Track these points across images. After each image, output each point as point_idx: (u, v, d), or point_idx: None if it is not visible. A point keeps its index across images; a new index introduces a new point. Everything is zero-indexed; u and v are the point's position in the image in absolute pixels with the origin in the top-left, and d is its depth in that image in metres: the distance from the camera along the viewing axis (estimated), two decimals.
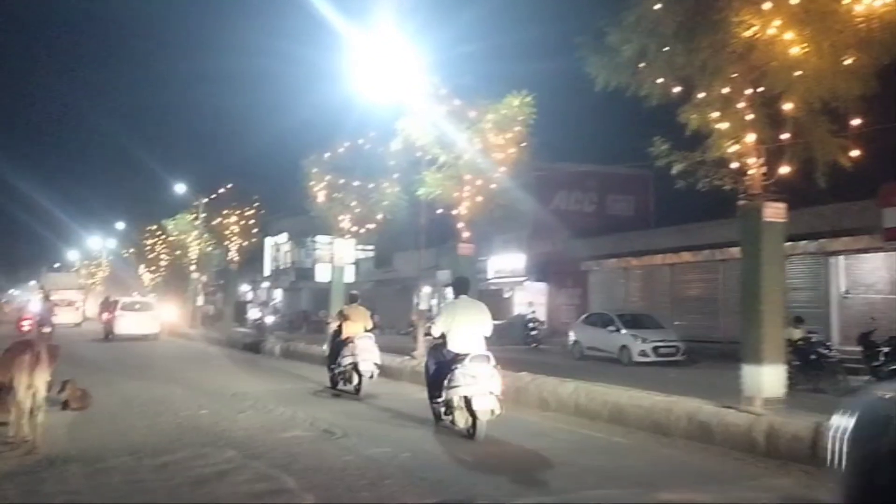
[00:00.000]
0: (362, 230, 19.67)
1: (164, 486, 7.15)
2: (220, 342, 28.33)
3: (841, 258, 23.66)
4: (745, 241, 9.07)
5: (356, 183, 18.86)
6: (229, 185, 30.66)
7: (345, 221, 19.62)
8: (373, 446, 8.84)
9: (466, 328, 9.43)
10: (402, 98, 15.66)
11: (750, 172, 8.70)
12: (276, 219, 33.66)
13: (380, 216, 19.01)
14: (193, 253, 36.11)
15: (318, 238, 50.58)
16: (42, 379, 9.36)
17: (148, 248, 45.19)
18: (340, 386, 13.49)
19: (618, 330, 24.86)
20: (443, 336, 9.58)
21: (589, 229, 34.32)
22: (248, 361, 21.85)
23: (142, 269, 49.26)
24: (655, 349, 23.80)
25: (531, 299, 35.21)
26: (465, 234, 14.80)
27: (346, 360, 13.19)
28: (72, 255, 79.97)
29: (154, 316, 31.12)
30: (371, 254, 49.30)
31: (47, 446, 8.61)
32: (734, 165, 8.90)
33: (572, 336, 26.82)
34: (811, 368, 16.40)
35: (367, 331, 13.73)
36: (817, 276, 24.16)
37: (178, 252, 38.43)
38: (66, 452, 8.59)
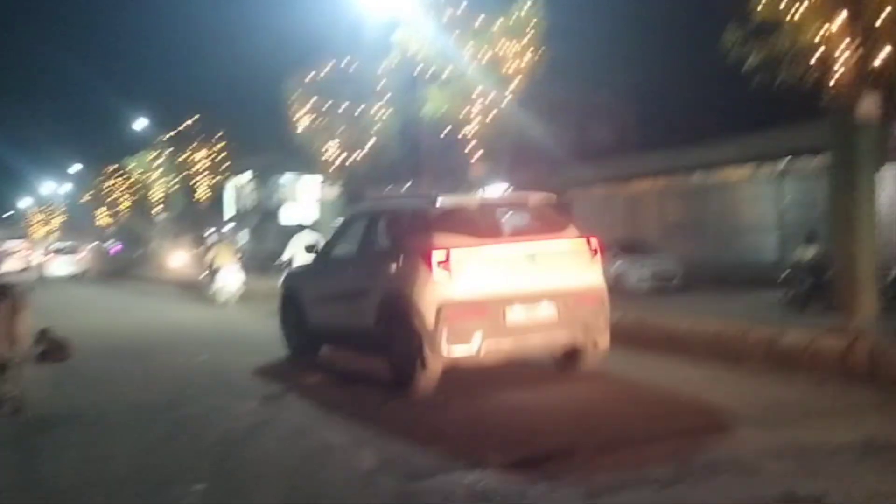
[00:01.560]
0: (350, 159, 18.16)
1: (189, 448, 5.97)
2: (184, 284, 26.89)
3: None
4: (835, 147, 7.90)
5: (344, 106, 17.30)
6: (195, 118, 28.57)
7: (331, 149, 18.10)
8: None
9: None
10: (397, 8, 14.15)
11: (839, 60, 7.46)
12: (240, 156, 31.67)
13: (371, 142, 17.52)
14: (158, 193, 34.16)
15: (285, 176, 48.98)
16: (24, 326, 8.08)
17: (106, 190, 42.96)
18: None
19: (614, 256, 23.98)
20: None
21: (572, 156, 33.11)
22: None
23: (100, 212, 47.06)
24: (653, 275, 22.98)
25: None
26: (477, 155, 13.51)
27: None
28: (25, 202, 76.95)
29: (80, 258, 34.05)
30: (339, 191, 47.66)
31: (34, 405, 7.35)
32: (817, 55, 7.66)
33: None
34: (825, 288, 15.76)
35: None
36: (817, 194, 23.45)
37: (140, 193, 36.43)
38: (57, 412, 7.37)
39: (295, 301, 9.78)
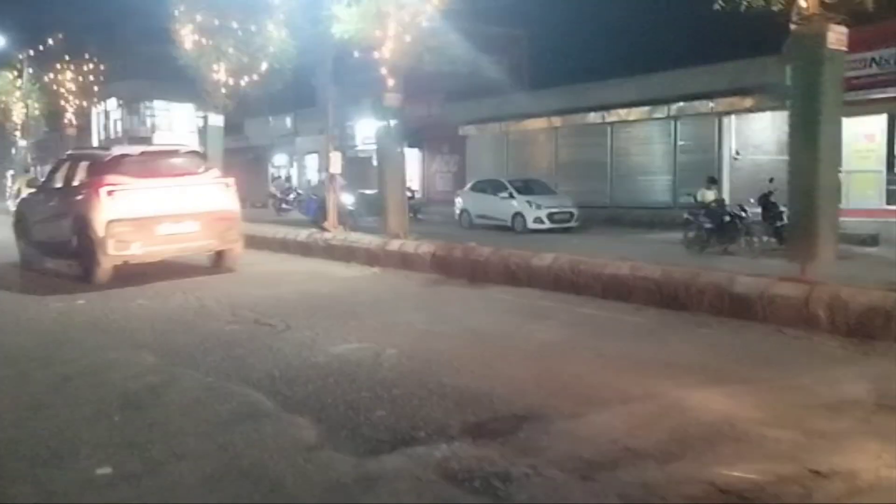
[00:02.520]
0: (242, 83, 16.57)
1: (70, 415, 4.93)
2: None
3: (732, 118, 23.08)
4: (800, 79, 7.38)
5: (234, 25, 15.65)
6: (59, 36, 25.64)
7: (220, 73, 16.45)
8: (333, 342, 6.80)
9: None
10: None
11: None
12: (110, 80, 28.83)
13: (264, 66, 15.99)
14: (18, 116, 30.86)
15: (156, 103, 45.66)
16: None
17: None
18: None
19: (510, 196, 23.60)
20: None
21: (465, 92, 32.15)
22: None
23: None
24: (550, 216, 22.82)
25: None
26: (391, 82, 12.39)
27: None
28: None
29: None
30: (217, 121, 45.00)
31: None
32: None
33: (460, 204, 25.33)
34: (725, 231, 15.91)
35: None
36: (709, 137, 23.64)
37: None
38: None
39: (24, 222, 12.98)
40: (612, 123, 26.25)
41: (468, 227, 23.61)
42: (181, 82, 41.08)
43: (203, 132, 17.91)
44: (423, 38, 12.01)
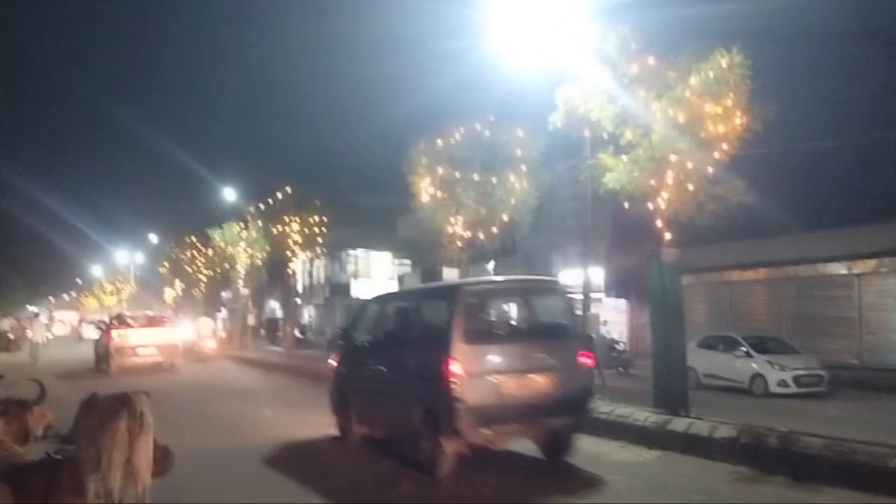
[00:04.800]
0: (480, 235, 15.89)
1: None
2: (279, 367, 24.73)
3: None
4: None
5: (475, 177, 15.15)
6: (288, 189, 26.84)
7: (457, 225, 15.88)
8: None
9: None
10: (560, 62, 12.10)
11: None
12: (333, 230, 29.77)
13: (505, 217, 15.27)
14: (242, 265, 32.39)
15: (354, 251, 47.14)
16: (146, 453, 5.83)
17: (185, 261, 41.53)
18: None
19: (747, 355, 21.21)
20: None
21: (679, 240, 30.33)
22: None
23: (175, 285, 45.66)
24: (797, 379, 20.21)
25: (607, 318, 31.36)
26: (667, 236, 11.09)
27: None
28: (96, 270, 76.72)
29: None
30: (409, 269, 45.76)
31: None
32: None
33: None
34: None
35: None
36: None
37: (222, 265, 34.75)
38: None
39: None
40: (859, 275, 23.50)
41: (695, 388, 21.30)
42: (381, 231, 42.85)
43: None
44: (706, 186, 10.70)
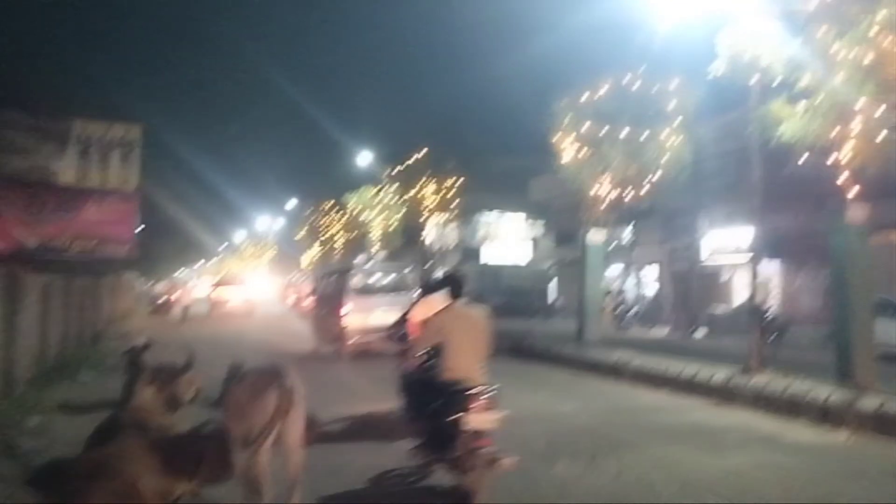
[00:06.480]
0: (626, 195, 14.93)
1: None
2: None
3: None
4: None
5: (624, 133, 14.16)
6: (424, 151, 26.44)
7: (603, 186, 14.97)
8: None
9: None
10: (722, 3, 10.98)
11: None
12: (471, 192, 29.09)
13: (657, 174, 14.23)
14: (377, 231, 32.53)
15: (487, 214, 46.34)
16: (296, 430, 5.52)
17: (322, 226, 42.30)
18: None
19: None
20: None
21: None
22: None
23: (314, 248, 46.66)
24: None
25: (766, 280, 29.29)
26: (854, 190, 9.88)
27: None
28: (239, 235, 80.00)
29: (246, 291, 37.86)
30: (541, 230, 44.57)
31: None
32: None
33: None
34: None
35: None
36: None
37: (358, 230, 35.10)
38: None
39: None
40: None
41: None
42: (515, 192, 41.92)
43: (583, 251, 16.41)
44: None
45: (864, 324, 10.32)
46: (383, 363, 10.69)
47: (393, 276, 17.83)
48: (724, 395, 11.01)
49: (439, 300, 6.98)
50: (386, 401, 8.61)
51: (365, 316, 15.58)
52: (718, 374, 11.73)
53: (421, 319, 7.45)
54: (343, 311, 16.19)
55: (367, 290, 16.86)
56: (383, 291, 16.80)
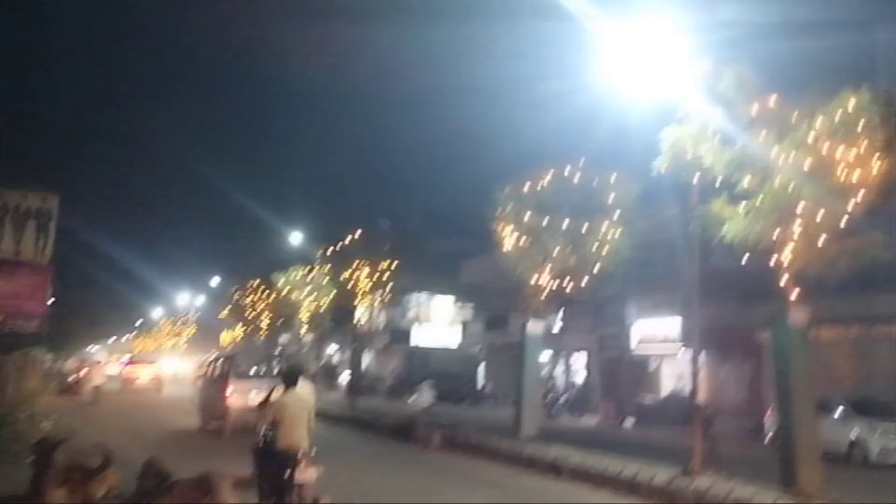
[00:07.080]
0: (567, 285, 14.88)
1: None
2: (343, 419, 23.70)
3: None
4: None
5: (565, 224, 14.21)
6: (358, 232, 26.18)
7: (543, 275, 14.90)
8: None
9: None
10: (666, 99, 11.22)
11: None
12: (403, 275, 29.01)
13: (596, 267, 14.25)
14: (305, 312, 31.80)
15: (416, 296, 46.07)
16: None
17: (247, 306, 41.25)
18: None
19: (844, 418, 19.25)
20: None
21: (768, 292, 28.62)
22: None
23: (236, 329, 45.42)
24: None
25: (683, 372, 29.52)
26: (794, 293, 9.95)
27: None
28: (157, 311, 77.30)
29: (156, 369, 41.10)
30: (471, 314, 44.68)
31: None
32: None
33: (769, 423, 21.05)
34: None
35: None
36: None
37: (285, 310, 34.27)
38: None
39: None
40: None
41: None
42: (445, 275, 41.86)
43: (522, 341, 16.19)
44: (840, 238, 9.57)
45: (808, 427, 10.27)
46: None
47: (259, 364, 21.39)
48: (667, 496, 10.74)
49: (282, 386, 8.77)
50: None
51: (243, 396, 17.46)
52: (659, 474, 11.46)
53: (263, 402, 9.37)
54: (227, 391, 18.60)
55: (243, 375, 19.52)
56: (256, 376, 19.53)
